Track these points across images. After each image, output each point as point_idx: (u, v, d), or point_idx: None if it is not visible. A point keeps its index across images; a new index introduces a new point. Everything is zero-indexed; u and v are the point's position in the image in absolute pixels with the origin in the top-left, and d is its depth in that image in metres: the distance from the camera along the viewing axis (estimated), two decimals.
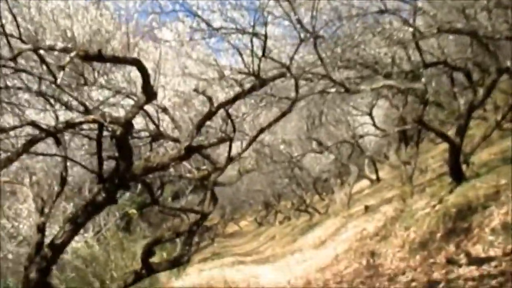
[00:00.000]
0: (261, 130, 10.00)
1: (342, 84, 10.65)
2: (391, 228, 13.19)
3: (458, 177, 12.65)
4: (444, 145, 26.14)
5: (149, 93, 6.41)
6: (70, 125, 6.12)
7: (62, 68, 4.95)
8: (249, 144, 10.06)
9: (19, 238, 11.61)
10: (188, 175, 10.72)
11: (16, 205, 11.47)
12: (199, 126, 7.96)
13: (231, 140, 8.82)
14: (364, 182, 30.23)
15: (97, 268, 13.81)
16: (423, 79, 11.39)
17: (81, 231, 14.41)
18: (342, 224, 19.96)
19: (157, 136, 9.48)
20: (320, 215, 27.95)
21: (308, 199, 31.80)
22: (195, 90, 8.31)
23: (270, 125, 10.05)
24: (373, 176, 29.28)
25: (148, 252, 9.42)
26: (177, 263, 10.44)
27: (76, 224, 7.05)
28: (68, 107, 6.35)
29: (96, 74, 7.92)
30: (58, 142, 7.44)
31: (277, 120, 9.90)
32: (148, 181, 8.77)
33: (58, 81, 5.15)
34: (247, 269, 18.44)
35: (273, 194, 36.38)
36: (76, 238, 14.12)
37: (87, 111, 6.39)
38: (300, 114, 22.39)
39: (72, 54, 5.02)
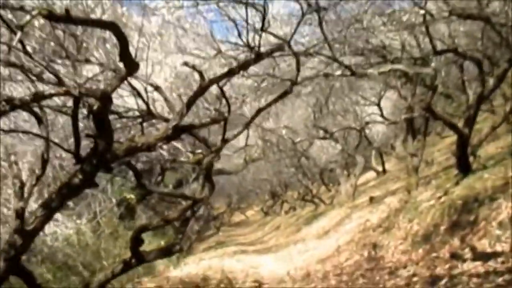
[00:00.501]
0: (260, 110, 9.31)
1: (349, 67, 9.99)
2: (395, 220, 12.57)
3: (464, 169, 12.01)
4: (451, 139, 25.51)
5: (129, 62, 5.79)
6: (38, 97, 5.50)
7: (21, 28, 4.34)
8: (247, 125, 9.34)
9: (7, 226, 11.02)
10: (182, 159, 10.08)
11: (4, 191, 10.83)
12: (190, 103, 7.32)
13: (225, 120, 8.16)
14: (370, 174, 29.63)
15: (87, 256, 13.19)
16: (432, 64, 10.68)
17: (74, 217, 13.88)
18: (346, 215, 19.35)
19: (147, 116, 8.84)
20: (325, 206, 27.35)
21: (315, 190, 31.28)
22: (185, 63, 7.64)
23: (269, 104, 9.35)
24: (380, 168, 28.65)
25: (136, 240, 8.87)
26: (169, 252, 9.85)
27: (49, 208, 6.45)
28: (40, 78, 5.72)
29: (78, 45, 7.26)
30: (39, 120, 6.88)
31: (277, 100, 9.21)
32: (133, 163, 8.13)
33: (15, 42, 4.53)
34: (248, 259, 17.90)
35: (280, 183, 35.77)
36: (69, 224, 13.56)
37: (60, 83, 5.76)
38: (307, 102, 21.82)
39: (34, 12, 4.41)
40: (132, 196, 15.36)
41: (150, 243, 18.05)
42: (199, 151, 9.99)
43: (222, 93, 8.08)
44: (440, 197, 11.24)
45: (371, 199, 18.93)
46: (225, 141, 8.73)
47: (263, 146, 22.70)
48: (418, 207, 11.70)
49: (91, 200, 15.47)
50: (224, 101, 8.31)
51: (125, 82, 8.93)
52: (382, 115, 22.50)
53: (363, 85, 21.49)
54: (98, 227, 15.13)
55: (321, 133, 23.61)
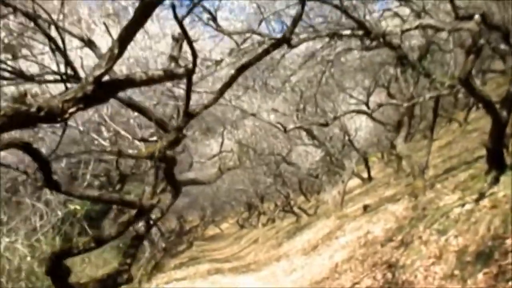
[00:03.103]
0: (244, 68, 5.91)
1: (362, 23, 6.94)
2: (413, 232, 9.45)
3: (499, 164, 9.00)
4: (440, 142, 22.78)
5: None
6: None
7: None
8: (227, 86, 5.87)
9: None
10: (130, 151, 6.82)
11: None
12: (126, 36, 4.02)
13: (190, 74, 4.80)
14: (354, 181, 26.48)
15: (15, 282, 9.97)
16: (476, 16, 7.56)
17: (5, 231, 10.71)
18: (336, 227, 16.20)
19: (71, 79, 5.55)
20: (308, 217, 24.18)
21: (292, 201, 28.14)
22: None
23: (258, 58, 5.93)
24: (365, 175, 25.65)
25: (54, 269, 5.63)
26: (113, 284, 6.59)
27: None
28: None
29: None
30: None
31: (269, 51, 5.84)
32: (40, 152, 4.78)
33: None
34: (225, 280, 14.75)
35: (256, 194, 32.56)
36: None
37: None
38: (289, 101, 18.95)
39: None
40: (78, 206, 11.95)
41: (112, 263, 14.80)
42: (154, 138, 6.74)
43: (182, 28, 4.72)
44: (478, 200, 8.18)
45: (365, 208, 15.83)
46: (189, 115, 5.44)
47: (239, 154, 19.94)
48: (449, 215, 8.59)
49: (31, 213, 12.22)
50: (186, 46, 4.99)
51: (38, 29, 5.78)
52: (371, 116, 19.55)
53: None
54: (39, 246, 11.80)
55: (304, 134, 20.83)
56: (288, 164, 23.43)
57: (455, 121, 23.27)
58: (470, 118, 21.50)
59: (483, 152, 12.80)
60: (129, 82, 4.29)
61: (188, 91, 5.09)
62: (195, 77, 10.80)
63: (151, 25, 12.12)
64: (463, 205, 8.46)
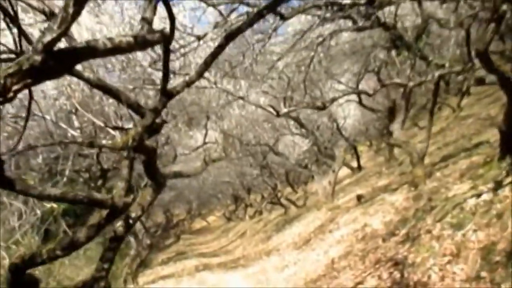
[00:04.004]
0: (231, 36, 4.82)
1: None
2: (419, 225, 8.46)
3: None
4: (434, 128, 21.94)
5: None
6: None
7: None
8: (214, 57, 4.78)
9: None
10: (104, 142, 5.75)
11: None
12: None
13: (166, 41, 3.70)
14: (343, 171, 25.48)
15: None
16: None
17: None
18: (329, 219, 15.18)
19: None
20: (297, 209, 23.17)
21: (280, 193, 27.19)
22: None
23: (249, 24, 4.87)
24: (354, 164, 24.70)
25: (16, 281, 4.60)
26: None
27: None
28: None
29: None
30: None
31: (261, 14, 4.81)
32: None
33: None
34: (212, 278, 13.74)
35: (243, 186, 31.52)
36: None
37: None
38: (278, 89, 17.89)
39: None
40: (55, 205, 10.85)
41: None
42: (130, 126, 5.67)
43: None
44: (495, 189, 7.21)
45: (359, 198, 14.81)
46: (167, 93, 4.37)
47: (224, 144, 18.92)
48: (462, 206, 7.59)
49: (9, 213, 11.10)
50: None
51: None
52: (360, 102, 18.55)
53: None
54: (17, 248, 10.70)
55: (292, 123, 19.81)
56: (276, 154, 22.38)
57: (447, 107, 22.33)
58: (462, 104, 20.59)
59: (482, 138, 12.00)
60: (90, 51, 3.22)
61: (166, 63, 4.02)
62: (176, 61, 9.77)
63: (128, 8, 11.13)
64: (478, 196, 7.48)
